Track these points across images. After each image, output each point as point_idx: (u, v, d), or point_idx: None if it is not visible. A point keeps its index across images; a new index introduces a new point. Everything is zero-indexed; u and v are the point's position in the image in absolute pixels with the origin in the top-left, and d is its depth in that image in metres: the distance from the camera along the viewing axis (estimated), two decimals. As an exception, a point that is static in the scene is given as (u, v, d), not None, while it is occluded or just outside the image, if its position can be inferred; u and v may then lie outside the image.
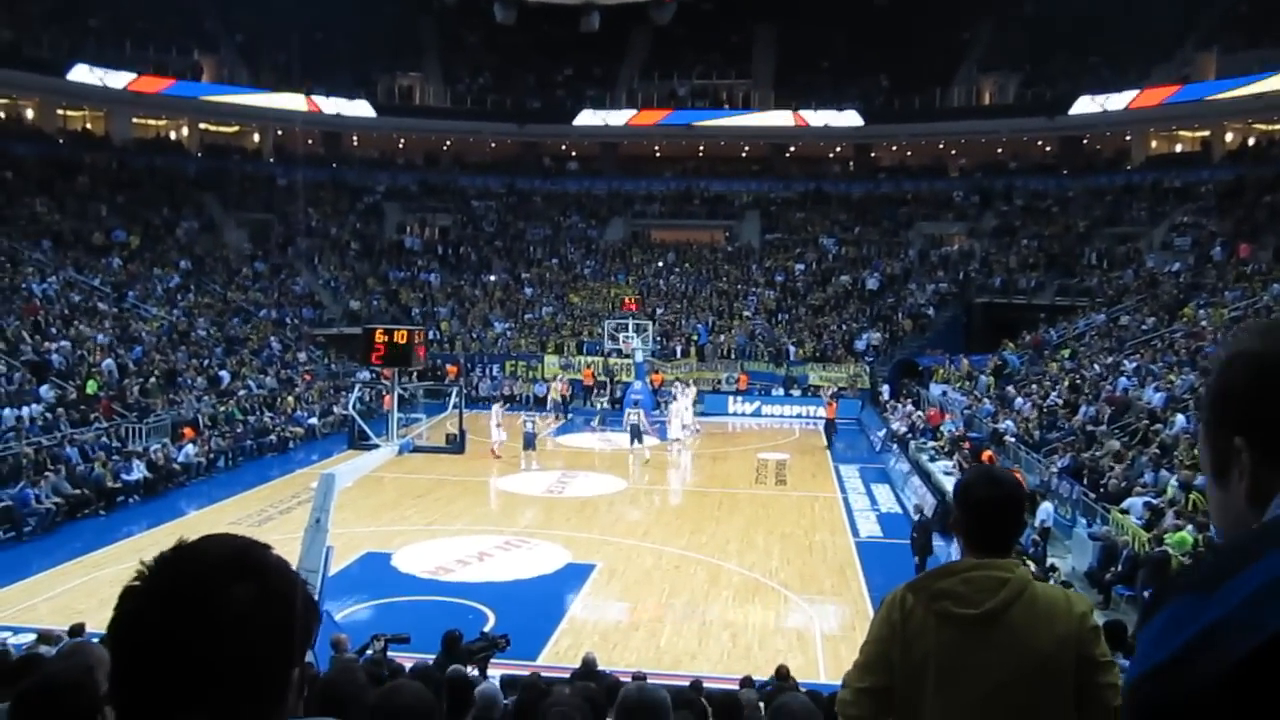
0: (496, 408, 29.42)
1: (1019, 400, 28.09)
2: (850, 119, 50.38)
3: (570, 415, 35.46)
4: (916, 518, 18.00)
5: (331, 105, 50.14)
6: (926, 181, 52.17)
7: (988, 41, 52.34)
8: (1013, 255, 44.85)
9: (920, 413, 31.50)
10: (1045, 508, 18.20)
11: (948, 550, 17.69)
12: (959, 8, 51.95)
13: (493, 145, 56.43)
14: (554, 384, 36.51)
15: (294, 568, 1.39)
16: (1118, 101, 44.32)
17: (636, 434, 28.69)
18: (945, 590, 2.64)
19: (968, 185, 51.14)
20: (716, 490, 25.19)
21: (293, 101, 48.59)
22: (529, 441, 27.07)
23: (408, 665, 8.88)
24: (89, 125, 48.72)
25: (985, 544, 2.72)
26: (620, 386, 38.54)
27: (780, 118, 51.36)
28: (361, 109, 50.99)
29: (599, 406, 35.31)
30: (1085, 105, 45.31)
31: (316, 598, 10.38)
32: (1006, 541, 2.74)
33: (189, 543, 1.35)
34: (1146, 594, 13.60)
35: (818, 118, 50.61)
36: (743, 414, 38.36)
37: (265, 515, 21.38)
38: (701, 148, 56.37)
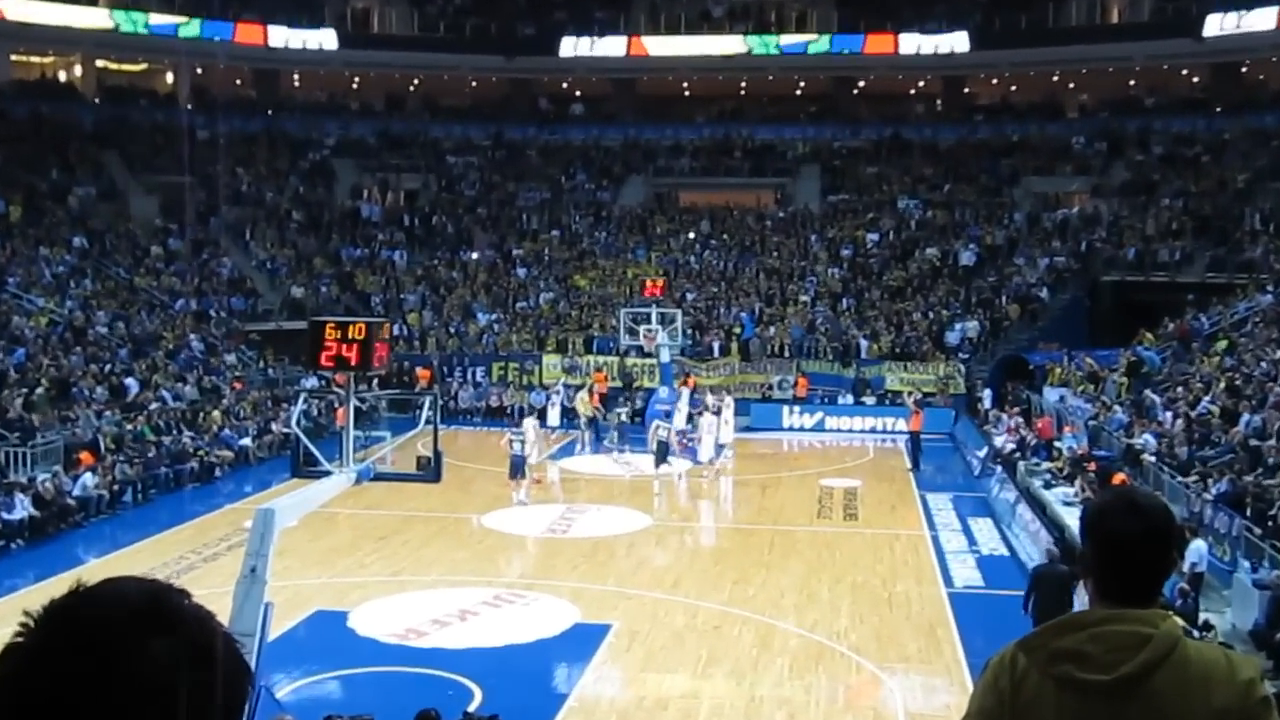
0: (529, 422, 29.51)
1: (1160, 408, 27.91)
2: (956, 42, 49.98)
3: (587, 434, 35.01)
4: (1044, 561, 17.47)
5: (280, 36, 50.25)
6: (1037, 124, 51.97)
7: (1115, -59, 52.11)
8: (1150, 219, 44.61)
9: (1027, 424, 31.37)
10: (1197, 547, 18.06)
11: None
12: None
13: (473, 84, 56.55)
14: (581, 394, 35.89)
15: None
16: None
17: (664, 453, 28.64)
18: (1068, 650, 2.61)
19: (1091, 128, 50.90)
20: (767, 527, 25.13)
21: (220, 31, 48.87)
22: (517, 467, 27.10)
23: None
24: (-45, 64, 49.16)
25: (1121, 591, 2.69)
26: (641, 395, 38.51)
27: (852, 42, 51.19)
28: (324, 39, 51.07)
29: (614, 420, 35.25)
30: (1242, 21, 44.98)
31: (252, 665, 10.41)
32: (1149, 588, 2.71)
33: (87, 588, 1.34)
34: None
35: (909, 43, 50.36)
36: (801, 428, 38.25)
37: (186, 563, 21.47)
38: (744, 84, 56.32)
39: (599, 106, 56.73)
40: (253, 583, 11.78)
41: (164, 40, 48.99)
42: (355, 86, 57.19)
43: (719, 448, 30.82)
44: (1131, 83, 52.34)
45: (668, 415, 31.93)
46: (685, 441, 31.26)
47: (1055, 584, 15.70)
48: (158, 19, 47.91)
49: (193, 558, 22.03)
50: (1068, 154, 50.44)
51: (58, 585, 1.37)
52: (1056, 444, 28.57)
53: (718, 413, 31.08)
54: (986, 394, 36.96)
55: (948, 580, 20.99)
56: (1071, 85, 53.93)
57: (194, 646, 1.30)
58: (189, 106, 52.90)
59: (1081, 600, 16.17)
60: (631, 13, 54.04)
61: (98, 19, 47.49)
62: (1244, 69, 49.92)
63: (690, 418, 33.02)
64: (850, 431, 37.86)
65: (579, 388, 36.34)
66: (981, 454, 31.40)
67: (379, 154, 53.55)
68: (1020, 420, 32.15)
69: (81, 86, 51.86)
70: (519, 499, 26.59)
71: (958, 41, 50.20)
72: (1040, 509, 23.83)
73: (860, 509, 26.99)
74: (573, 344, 42.01)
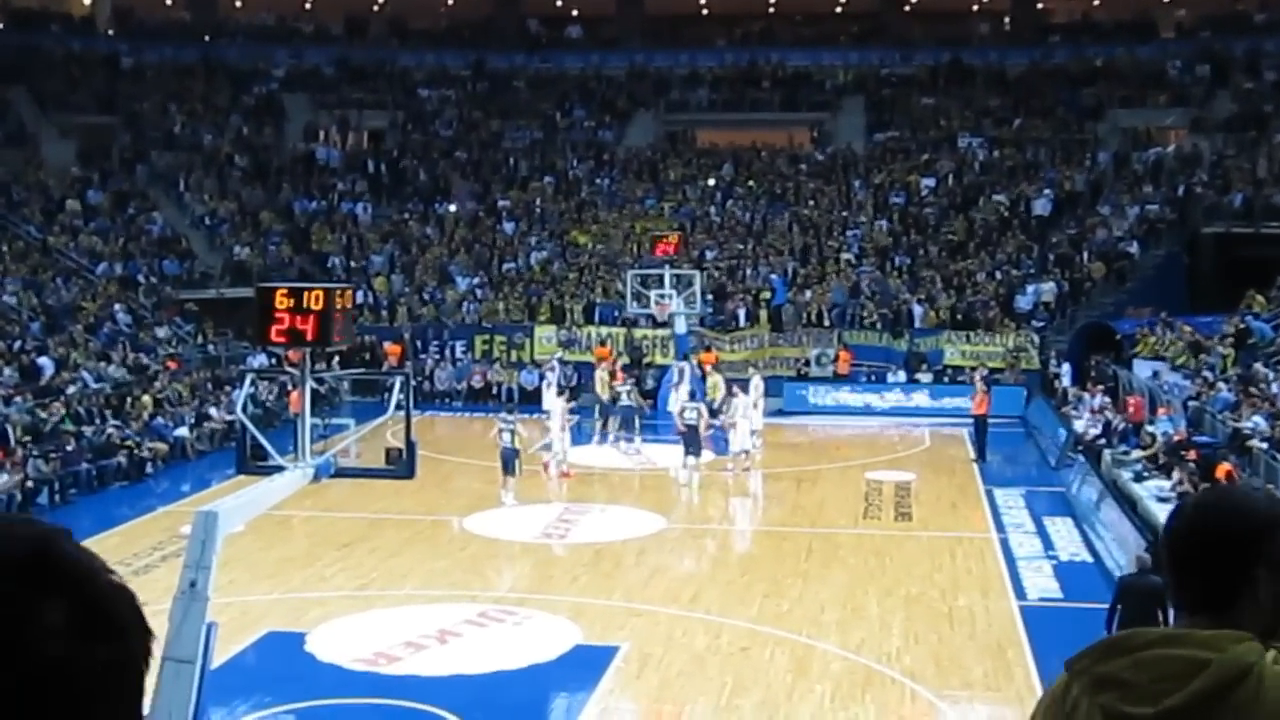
0: (559, 403, 29.60)
1: (1274, 385, 27.89)
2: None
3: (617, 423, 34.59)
4: (1133, 571, 17.32)
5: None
6: (1125, 46, 51.74)
7: None
8: (1262, 159, 44.47)
9: (1114, 405, 31.36)
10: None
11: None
12: None
13: (449, 2, 56.43)
14: (600, 374, 35.77)
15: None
16: None
17: (694, 443, 28.62)
18: (1111, 676, 2.60)
19: (1190, 50, 50.67)
20: (804, 530, 25.15)
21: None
22: (508, 461, 27.10)
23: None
24: None
25: (1190, 603, 2.70)
26: (653, 373, 38.49)
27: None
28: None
29: (621, 401, 35.26)
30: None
31: (192, 697, 10.51)
32: (1222, 601, 2.70)
33: None
34: None
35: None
36: (845, 410, 38.26)
37: (112, 577, 21.53)
38: (772, 1, 56.11)
39: (600, 29, 56.58)
40: (192, 599, 11.82)
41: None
42: (308, 7, 57.08)
43: (752, 435, 30.79)
44: (1238, -5, 52.11)
45: (693, 395, 31.98)
46: (684, 426, 31.30)
47: (1144, 598, 15.55)
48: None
49: (121, 570, 21.89)
50: (1162, 81, 50.22)
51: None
52: (1149, 428, 28.56)
53: (747, 393, 31.05)
54: (1066, 369, 36.92)
55: (1019, 592, 20.99)
56: (1166, -1, 53.71)
57: (96, 611, 1.21)
58: (110, 33, 52.94)
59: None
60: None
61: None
62: (1374, -23, 49.75)
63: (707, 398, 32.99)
64: (902, 413, 37.80)
65: (589, 366, 36.36)
66: (1061, 441, 31.39)
67: (337, 87, 53.44)
68: (1106, 400, 32.13)
69: (-18, 9, 51.80)
70: (507, 500, 26.61)
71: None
72: (1130, 506, 23.83)
73: (915, 508, 26.98)
74: (570, 313, 42.00)
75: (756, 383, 32.57)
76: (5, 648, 1.11)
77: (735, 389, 31.20)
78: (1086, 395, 33.12)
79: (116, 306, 38.19)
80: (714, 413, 31.99)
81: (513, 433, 27.17)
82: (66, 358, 33.43)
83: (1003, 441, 32.94)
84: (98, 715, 1.17)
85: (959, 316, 40.55)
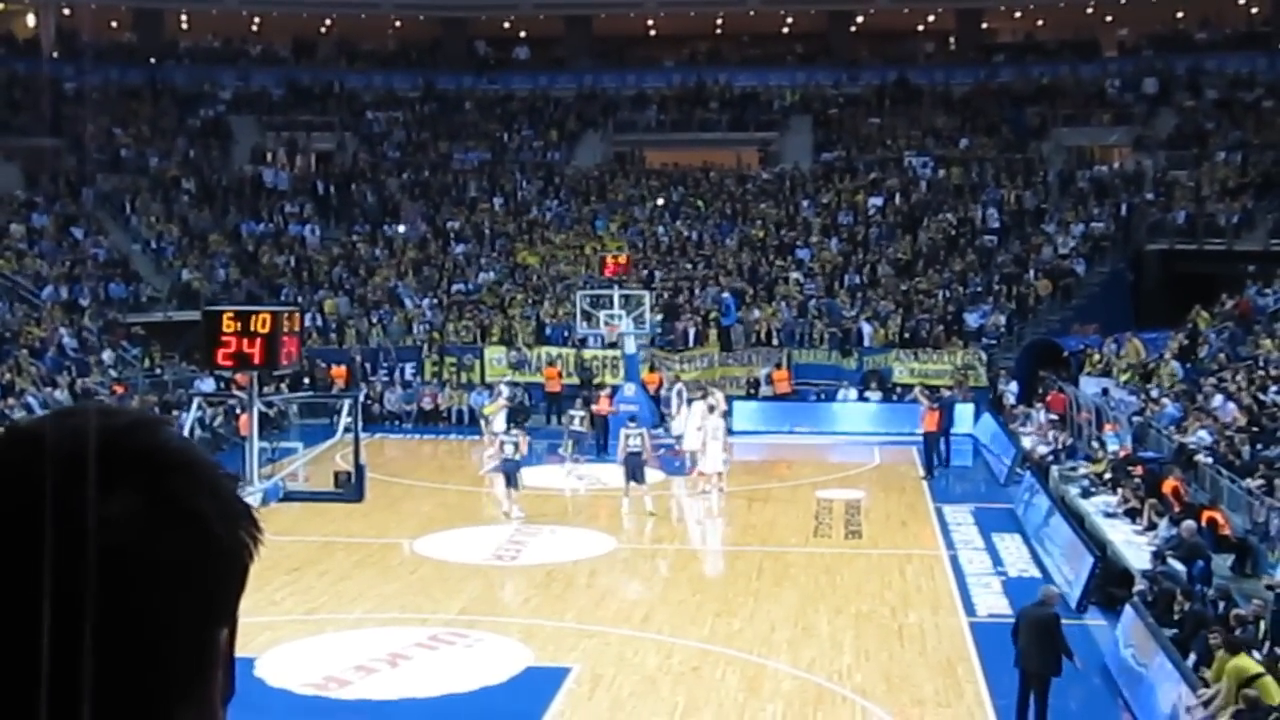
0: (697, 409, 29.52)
1: (1218, 399, 28.11)
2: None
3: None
4: (1035, 601, 16.95)
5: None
6: (1068, 65, 52.21)
7: None
8: (1203, 176, 44.88)
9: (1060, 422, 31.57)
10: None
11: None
12: None
13: (397, 24, 56.35)
14: (492, 401, 35.80)
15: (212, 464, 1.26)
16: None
17: (637, 469, 28.44)
18: None
19: (1132, 69, 51.14)
20: (755, 549, 25.17)
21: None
22: (511, 475, 26.85)
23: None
24: None
25: None
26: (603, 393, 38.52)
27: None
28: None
29: (571, 425, 35.23)
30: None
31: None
32: None
33: (18, 426, 1.20)
34: None
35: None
36: (795, 430, 38.29)
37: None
38: (720, 20, 56.32)
39: (548, 50, 56.64)
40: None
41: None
42: (255, 29, 56.90)
43: (694, 456, 30.66)
44: (1180, 14, 52.59)
45: (634, 419, 31.86)
46: (659, 448, 31.21)
47: (1040, 629, 15.48)
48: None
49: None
50: (1105, 100, 50.69)
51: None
52: (1095, 443, 28.76)
53: (711, 410, 30.94)
54: (1013, 387, 37.11)
55: (969, 608, 21.06)
56: (1109, 18, 54.16)
57: (178, 509, 1.18)
58: (55, 55, 52.58)
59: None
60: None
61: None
62: (1311, -3, 50.34)
63: (663, 420, 32.97)
64: (852, 433, 37.77)
65: (515, 385, 36.60)
66: (1009, 458, 31.53)
67: (285, 109, 53.33)
68: (1053, 418, 32.37)
69: (-76, 32, 51.40)
70: (514, 513, 26.54)
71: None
72: (1078, 522, 23.93)
73: (865, 525, 27.04)
74: (520, 334, 41.94)
75: (717, 400, 32.27)
76: (63, 541, 1.07)
77: (715, 405, 31.10)
78: (1034, 412, 33.32)
79: (62, 330, 37.90)
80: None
81: (515, 445, 27.16)
82: (10, 383, 33.14)
83: (952, 458, 33.12)
84: (170, 613, 1.17)
85: (908, 335, 40.69)
